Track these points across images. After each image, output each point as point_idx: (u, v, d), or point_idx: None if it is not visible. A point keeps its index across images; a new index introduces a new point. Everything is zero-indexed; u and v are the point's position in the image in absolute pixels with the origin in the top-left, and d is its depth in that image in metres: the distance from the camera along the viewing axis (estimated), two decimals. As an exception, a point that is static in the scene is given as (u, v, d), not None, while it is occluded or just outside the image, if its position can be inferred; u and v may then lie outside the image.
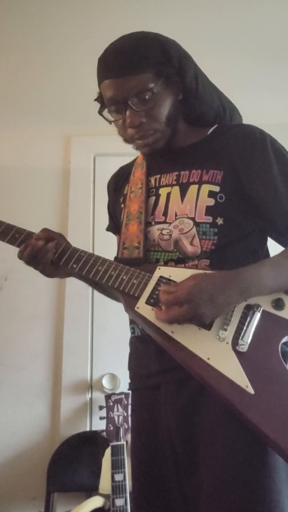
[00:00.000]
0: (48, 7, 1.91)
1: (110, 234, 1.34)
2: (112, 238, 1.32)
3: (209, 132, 1.15)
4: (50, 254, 1.07)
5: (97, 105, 1.11)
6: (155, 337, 0.98)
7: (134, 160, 1.28)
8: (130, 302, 1.00)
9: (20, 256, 1.09)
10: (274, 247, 1.10)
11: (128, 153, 1.25)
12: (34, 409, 2.28)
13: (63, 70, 2.30)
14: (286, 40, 2.09)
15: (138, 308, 0.98)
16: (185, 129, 1.14)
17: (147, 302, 0.99)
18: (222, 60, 2.19)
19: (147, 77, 1.01)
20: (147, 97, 1.01)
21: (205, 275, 0.95)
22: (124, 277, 1.02)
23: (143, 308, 0.98)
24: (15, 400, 2.29)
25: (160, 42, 1.05)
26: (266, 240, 1.13)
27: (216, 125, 1.16)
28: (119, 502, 1.68)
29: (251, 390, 0.87)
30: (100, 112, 1.09)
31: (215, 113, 1.15)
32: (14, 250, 1.11)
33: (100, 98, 1.09)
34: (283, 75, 2.33)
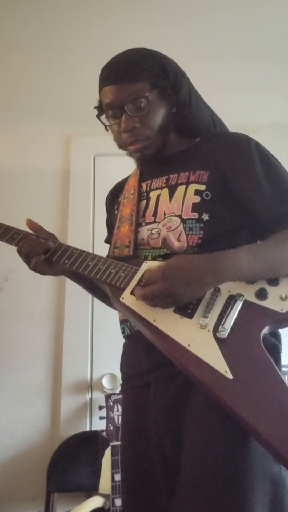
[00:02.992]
0: (49, 8, 1.92)
1: (110, 234, 1.35)
2: (112, 239, 1.32)
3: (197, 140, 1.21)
4: (46, 248, 1.11)
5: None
6: (139, 327, 1.00)
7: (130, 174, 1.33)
8: (116, 293, 1.03)
9: (19, 250, 1.12)
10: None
11: (128, 154, 1.25)
12: (34, 409, 2.28)
13: (63, 71, 2.31)
14: (286, 40, 2.09)
15: (123, 298, 1.01)
16: (176, 139, 1.19)
17: (132, 293, 1.01)
18: (222, 60, 2.19)
19: (143, 86, 1.09)
20: (142, 104, 1.08)
21: (183, 257, 0.99)
22: (112, 270, 1.05)
23: (128, 298, 1.01)
24: (15, 400, 2.29)
25: (158, 57, 1.14)
26: (255, 240, 1.14)
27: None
28: (119, 502, 1.68)
29: (229, 375, 0.88)
30: (98, 117, 1.15)
31: (206, 128, 1.21)
32: (14, 250, 1.13)
33: (99, 106, 1.16)
34: (282, 75, 2.33)
